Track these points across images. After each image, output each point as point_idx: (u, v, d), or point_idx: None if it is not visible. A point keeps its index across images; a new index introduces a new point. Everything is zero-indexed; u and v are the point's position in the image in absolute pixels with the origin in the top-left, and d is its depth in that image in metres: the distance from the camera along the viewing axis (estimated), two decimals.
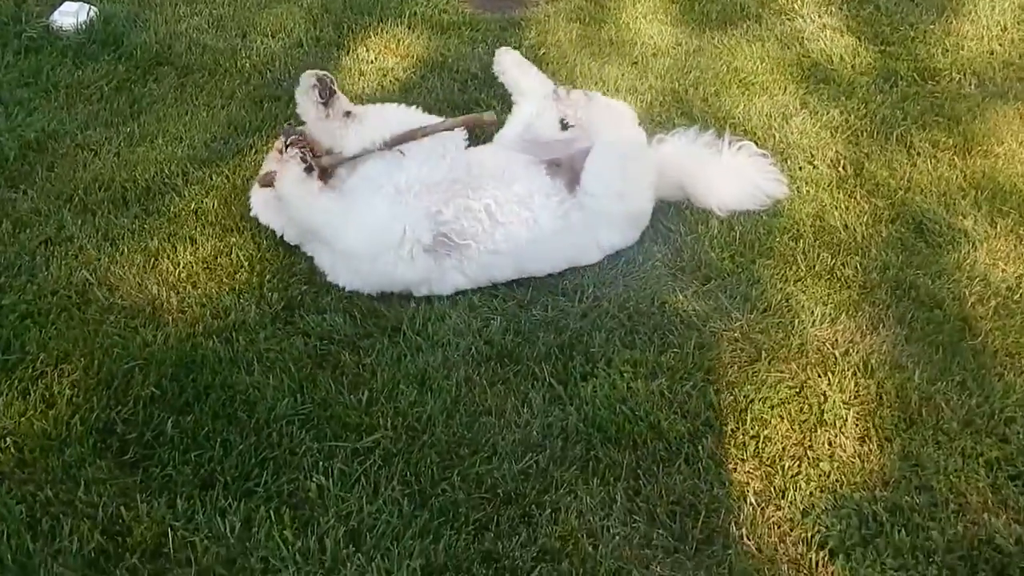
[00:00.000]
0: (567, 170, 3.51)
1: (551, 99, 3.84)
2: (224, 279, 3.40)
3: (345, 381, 3.04)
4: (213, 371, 3.03)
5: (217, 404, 2.93)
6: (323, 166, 3.42)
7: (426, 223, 3.28)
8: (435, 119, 3.61)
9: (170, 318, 3.24)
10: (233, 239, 3.56)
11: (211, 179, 3.87)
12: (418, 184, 3.33)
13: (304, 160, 3.30)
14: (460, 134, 3.57)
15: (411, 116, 3.57)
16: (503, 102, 4.41)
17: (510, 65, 4.09)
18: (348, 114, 3.50)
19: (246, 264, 3.45)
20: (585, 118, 3.62)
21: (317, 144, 3.51)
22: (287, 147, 3.39)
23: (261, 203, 3.54)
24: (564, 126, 3.89)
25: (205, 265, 3.45)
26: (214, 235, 3.58)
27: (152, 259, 3.46)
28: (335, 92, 3.54)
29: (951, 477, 2.77)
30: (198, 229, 3.60)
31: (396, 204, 3.30)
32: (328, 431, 2.88)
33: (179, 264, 3.44)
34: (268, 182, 3.44)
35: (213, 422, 2.87)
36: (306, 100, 3.54)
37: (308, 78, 3.54)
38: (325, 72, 3.57)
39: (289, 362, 3.09)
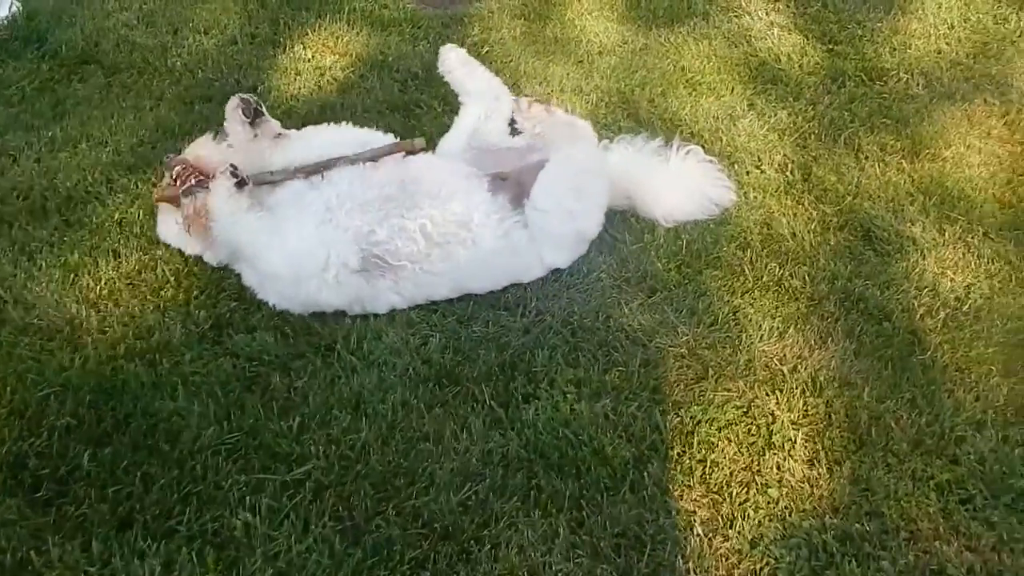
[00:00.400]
0: (513, 185, 3.38)
1: (513, 108, 3.63)
2: (148, 296, 3.24)
3: (275, 406, 2.90)
4: (134, 397, 2.87)
5: (138, 434, 2.77)
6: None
7: (354, 246, 3.13)
8: (370, 135, 3.46)
9: (89, 339, 3.07)
10: (159, 252, 3.41)
11: (137, 186, 3.70)
12: (349, 202, 3.17)
13: (235, 175, 3.13)
14: (391, 137, 3.45)
15: (344, 135, 3.41)
16: (444, 103, 4.29)
17: (455, 64, 3.91)
18: (279, 136, 3.34)
19: (172, 279, 3.29)
20: (544, 133, 3.45)
21: (205, 168, 3.34)
22: (174, 178, 3.26)
23: (169, 225, 3.38)
24: (513, 131, 3.74)
25: (128, 281, 3.28)
26: (139, 248, 3.41)
27: (71, 274, 3.29)
28: (262, 113, 3.40)
29: (902, 502, 2.70)
30: (121, 241, 3.42)
31: (324, 224, 3.14)
32: (256, 462, 2.73)
33: (100, 280, 3.27)
34: (169, 198, 3.27)
35: (133, 454, 2.72)
36: (233, 122, 3.37)
37: (233, 100, 3.41)
38: (251, 95, 3.44)
39: (216, 386, 2.94)
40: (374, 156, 3.29)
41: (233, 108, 3.38)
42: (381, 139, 3.48)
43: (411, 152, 3.35)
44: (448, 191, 3.25)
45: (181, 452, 2.74)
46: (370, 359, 3.07)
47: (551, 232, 3.35)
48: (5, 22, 4.62)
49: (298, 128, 3.67)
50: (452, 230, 3.19)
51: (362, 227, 3.13)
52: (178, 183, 3.28)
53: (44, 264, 3.31)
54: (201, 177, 3.29)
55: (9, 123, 4.02)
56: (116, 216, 3.53)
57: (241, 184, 3.13)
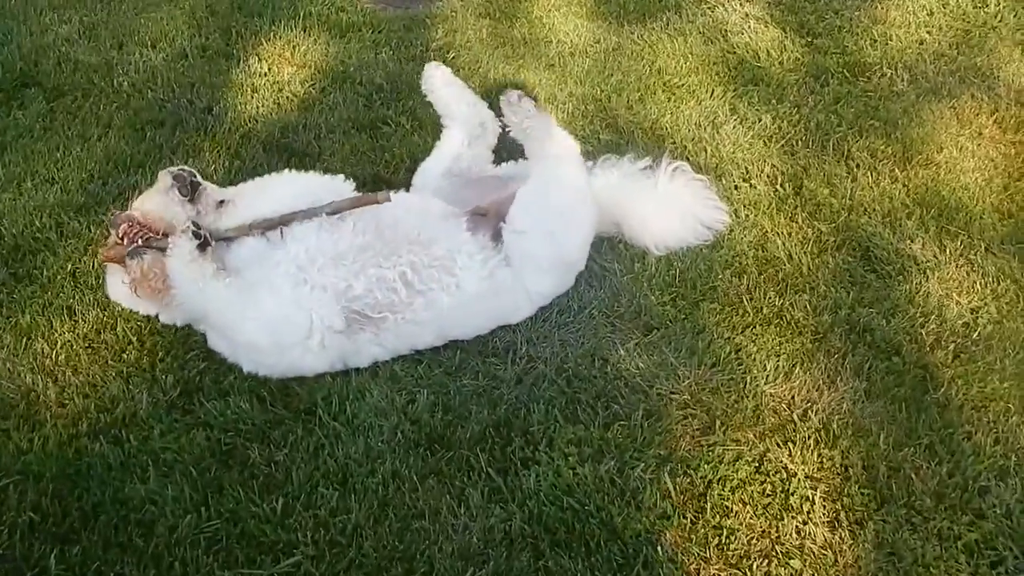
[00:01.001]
0: (493, 220, 3.17)
1: (502, 101, 3.35)
2: (110, 360, 3.00)
3: (256, 485, 2.69)
4: (102, 483, 2.65)
5: (108, 528, 2.56)
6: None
7: (336, 305, 2.88)
8: (318, 182, 3.23)
9: (48, 414, 2.83)
10: (117, 308, 3.15)
11: (89, 230, 3.44)
12: (320, 257, 2.92)
13: (198, 235, 2.86)
14: (351, 186, 3.25)
15: (292, 187, 3.15)
16: (413, 118, 4.09)
17: (440, 84, 3.64)
18: (222, 203, 3.07)
19: (134, 339, 3.05)
20: (530, 129, 3.22)
21: (153, 225, 3.06)
22: (120, 237, 2.99)
23: (118, 286, 3.09)
24: (496, 161, 3.52)
25: (87, 343, 3.04)
26: (95, 303, 3.18)
27: (24, 339, 3.05)
28: (199, 184, 3.10)
29: (931, 569, 2.55)
30: (76, 296, 3.18)
31: (300, 286, 2.88)
32: (239, 553, 2.53)
33: (56, 344, 3.02)
34: (116, 257, 3.01)
35: (104, 552, 2.51)
36: (168, 202, 3.08)
37: (164, 178, 3.10)
38: (182, 167, 3.13)
39: (190, 464, 2.72)
40: (336, 210, 3.01)
41: (168, 188, 3.07)
42: (329, 186, 3.22)
43: (374, 204, 3.04)
44: (428, 234, 3.02)
45: (156, 547, 2.52)
46: (354, 423, 2.86)
47: (531, 255, 3.13)
48: None
49: (249, 176, 3.41)
50: (435, 276, 2.96)
51: (338, 283, 2.88)
52: (124, 241, 3.00)
53: None
54: (148, 235, 3.00)
55: None
56: (69, 267, 3.28)
57: (204, 245, 2.86)
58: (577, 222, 3.24)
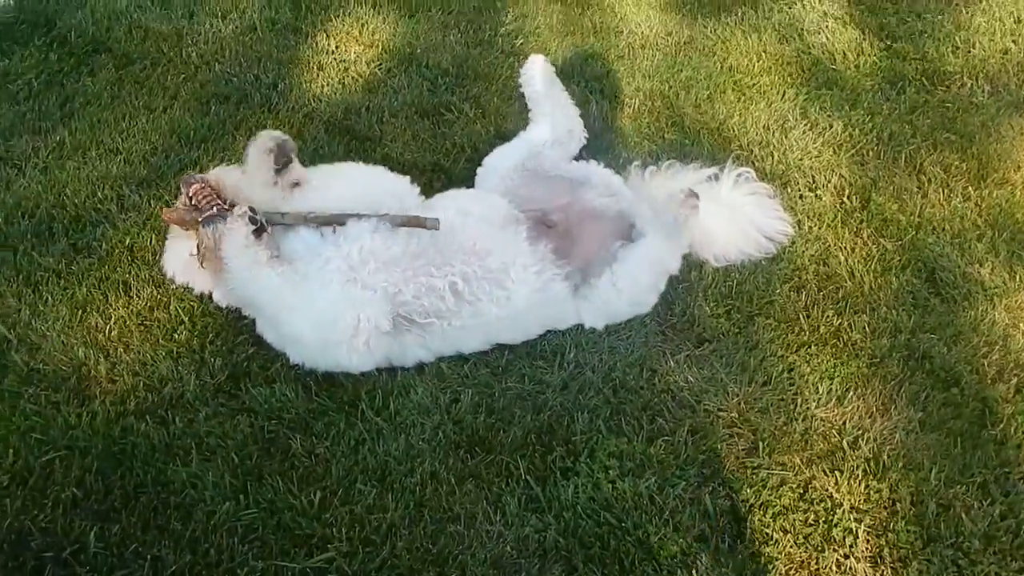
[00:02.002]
0: (560, 235, 3.14)
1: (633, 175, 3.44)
2: (161, 339, 3.01)
3: (295, 476, 2.69)
4: (145, 463, 2.67)
5: (148, 510, 2.58)
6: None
7: (385, 307, 2.85)
8: (392, 183, 3.21)
9: (98, 390, 2.85)
10: (171, 287, 3.16)
11: (149, 205, 3.46)
12: (372, 260, 2.89)
13: (254, 220, 2.85)
14: (415, 191, 3.22)
15: (365, 186, 3.12)
16: (476, 106, 4.06)
17: (539, 80, 3.60)
18: (296, 184, 3.06)
19: (186, 320, 3.06)
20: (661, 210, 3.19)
21: (224, 196, 3.03)
22: (190, 197, 2.96)
23: (177, 257, 3.10)
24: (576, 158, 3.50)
25: (139, 320, 3.06)
26: (150, 280, 3.18)
27: (79, 312, 3.07)
28: (292, 160, 3.06)
29: None
30: (132, 272, 3.19)
31: (350, 284, 2.85)
32: (274, 545, 2.54)
33: (110, 318, 3.05)
34: (178, 220, 3.00)
35: (143, 534, 2.53)
36: (260, 162, 3.03)
37: (266, 141, 3.02)
38: (287, 138, 3.06)
39: (232, 450, 2.73)
40: (390, 222, 2.98)
41: (265, 151, 3.01)
42: (396, 188, 3.19)
43: (422, 227, 2.98)
44: (484, 245, 2.98)
45: (194, 532, 2.54)
46: (397, 420, 2.85)
47: (613, 311, 3.15)
48: (11, 4, 4.32)
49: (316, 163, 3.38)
50: (486, 288, 2.93)
51: (387, 286, 2.86)
52: (192, 203, 2.99)
53: (50, 298, 3.09)
54: (218, 203, 2.98)
55: (15, 124, 3.77)
56: (127, 241, 3.29)
57: (260, 231, 2.86)
58: (659, 294, 3.25)
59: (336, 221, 2.92)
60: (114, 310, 3.08)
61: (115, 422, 2.78)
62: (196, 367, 2.94)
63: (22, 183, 3.49)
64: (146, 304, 3.11)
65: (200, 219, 2.94)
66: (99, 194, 3.46)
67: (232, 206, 2.97)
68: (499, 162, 3.48)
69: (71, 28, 4.28)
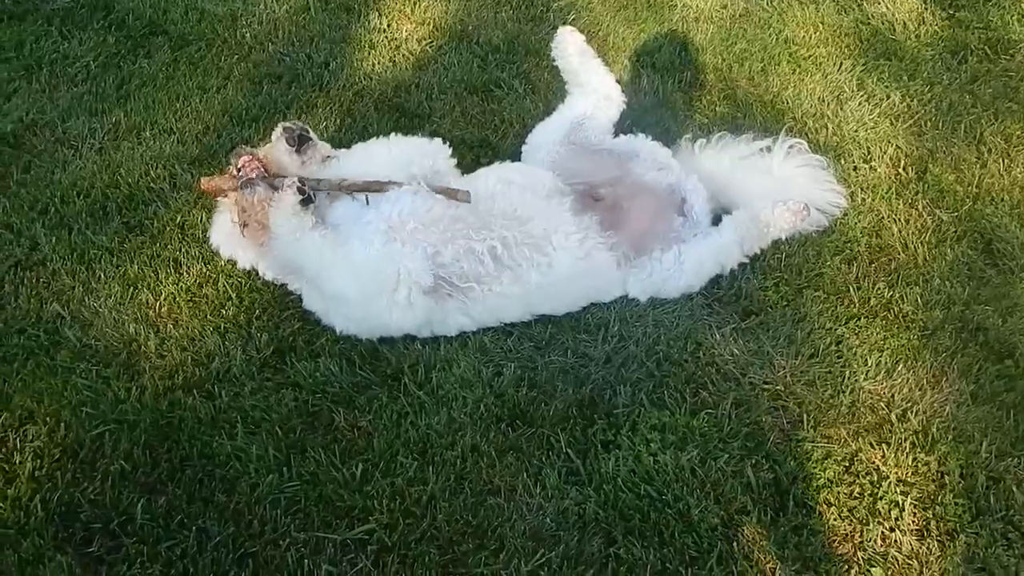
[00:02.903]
0: (608, 207, 3.13)
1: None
2: (209, 315, 3.06)
3: (337, 449, 2.72)
4: (191, 437, 2.72)
5: (193, 482, 2.62)
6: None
7: (425, 263, 2.87)
8: (424, 144, 3.22)
9: (147, 365, 2.91)
10: (220, 262, 3.21)
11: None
12: (412, 220, 2.91)
13: (302, 191, 2.90)
14: (446, 151, 3.25)
15: (398, 151, 3.14)
16: (527, 82, 4.05)
17: (572, 52, 3.55)
18: (327, 159, 3.10)
19: (234, 296, 3.11)
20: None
21: (272, 168, 3.09)
22: (239, 169, 3.02)
23: (224, 234, 3.16)
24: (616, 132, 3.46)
25: (189, 296, 3.11)
26: (200, 257, 3.23)
27: (131, 288, 3.13)
28: (308, 139, 3.12)
29: None
30: (183, 250, 3.24)
31: (391, 242, 2.88)
32: (316, 517, 2.57)
33: (160, 295, 3.10)
34: (215, 189, 3.08)
35: (188, 506, 2.58)
36: (279, 152, 3.11)
37: (277, 128, 3.14)
38: (295, 121, 3.17)
39: (276, 424, 2.77)
40: (418, 188, 3.01)
41: (277, 138, 3.12)
42: (427, 150, 3.22)
43: (454, 199, 3.01)
44: (526, 211, 2.98)
45: (238, 504, 2.58)
46: (439, 394, 2.86)
47: (668, 287, 3.15)
48: None
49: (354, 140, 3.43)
50: (525, 253, 2.93)
51: (427, 247, 2.88)
52: (240, 173, 3.04)
53: (103, 275, 3.15)
54: (264, 173, 3.04)
55: (73, 106, 3.84)
56: (178, 219, 3.35)
57: (307, 201, 2.90)
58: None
59: (373, 188, 2.95)
60: (164, 287, 3.13)
61: (163, 396, 2.83)
62: (243, 342, 2.99)
63: (78, 164, 3.56)
64: (195, 281, 3.16)
65: (240, 183, 3.00)
66: (152, 173, 3.52)
67: (276, 177, 3.02)
68: (543, 138, 3.47)
69: (129, 11, 4.35)
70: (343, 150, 3.26)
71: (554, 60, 3.62)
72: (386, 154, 3.11)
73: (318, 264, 2.91)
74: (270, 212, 2.96)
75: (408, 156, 3.09)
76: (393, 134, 3.30)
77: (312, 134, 3.15)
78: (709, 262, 3.14)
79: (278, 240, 2.94)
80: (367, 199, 2.96)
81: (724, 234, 3.15)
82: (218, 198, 3.16)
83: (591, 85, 3.49)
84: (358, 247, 2.89)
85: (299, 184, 2.92)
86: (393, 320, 2.92)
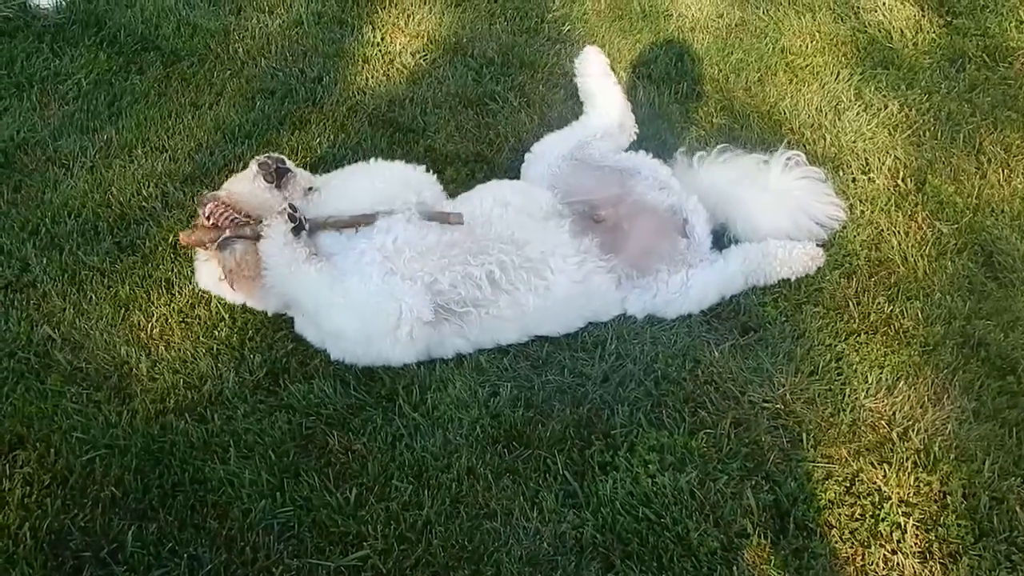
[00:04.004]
0: (609, 229, 3.09)
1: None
2: (201, 336, 3.02)
3: (331, 472, 2.69)
4: (183, 462, 2.68)
5: (185, 508, 2.59)
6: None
7: (426, 296, 2.84)
8: (407, 174, 3.17)
9: (139, 388, 2.88)
10: None
11: (193, 201, 3.46)
12: (408, 249, 2.88)
13: (293, 219, 2.85)
14: (432, 179, 3.22)
15: (382, 185, 3.09)
16: (521, 95, 4.01)
17: (594, 72, 3.56)
18: (310, 190, 3.05)
19: (226, 317, 3.07)
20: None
21: (240, 208, 3.03)
22: (207, 217, 2.97)
23: (208, 274, 3.10)
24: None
25: (181, 318, 3.07)
26: (192, 277, 3.18)
27: (122, 309, 3.09)
28: (286, 172, 3.05)
29: None
30: (175, 270, 3.21)
31: (389, 275, 2.84)
32: (309, 543, 2.53)
33: (152, 316, 3.07)
34: (196, 242, 3.02)
35: (179, 532, 2.54)
36: (257, 188, 3.05)
37: (253, 164, 3.07)
38: (269, 154, 3.09)
39: (270, 447, 2.73)
40: (410, 216, 2.97)
41: (254, 176, 3.05)
42: (413, 179, 3.17)
43: (446, 222, 2.98)
44: (523, 235, 2.95)
45: (230, 530, 2.54)
46: (434, 415, 2.82)
47: (668, 309, 3.13)
48: (63, 5, 4.38)
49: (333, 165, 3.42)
50: (523, 277, 2.89)
51: (424, 276, 2.84)
52: (210, 222, 3.01)
53: (94, 297, 3.11)
54: (235, 217, 2.99)
55: (64, 125, 3.80)
56: (170, 239, 3.31)
57: (299, 229, 2.86)
58: None
59: (362, 223, 2.91)
60: (156, 308, 3.10)
61: (155, 420, 2.80)
62: (236, 364, 2.95)
63: (69, 183, 3.52)
64: (187, 301, 3.12)
65: (216, 244, 2.96)
66: (144, 192, 3.49)
67: (250, 216, 2.98)
68: (548, 149, 3.43)
69: (120, 27, 4.31)
70: (324, 177, 3.20)
71: (574, 76, 3.59)
72: (369, 187, 3.05)
73: (315, 300, 2.87)
74: (261, 244, 2.91)
75: (391, 192, 3.03)
76: (374, 160, 3.27)
77: (289, 163, 3.08)
78: (713, 292, 3.12)
79: (272, 273, 2.90)
80: (356, 231, 2.92)
81: (731, 264, 3.13)
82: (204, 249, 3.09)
83: (606, 110, 3.49)
84: (356, 283, 2.83)
85: (290, 211, 2.87)
86: (395, 355, 2.88)
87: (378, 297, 2.80)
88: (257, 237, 2.92)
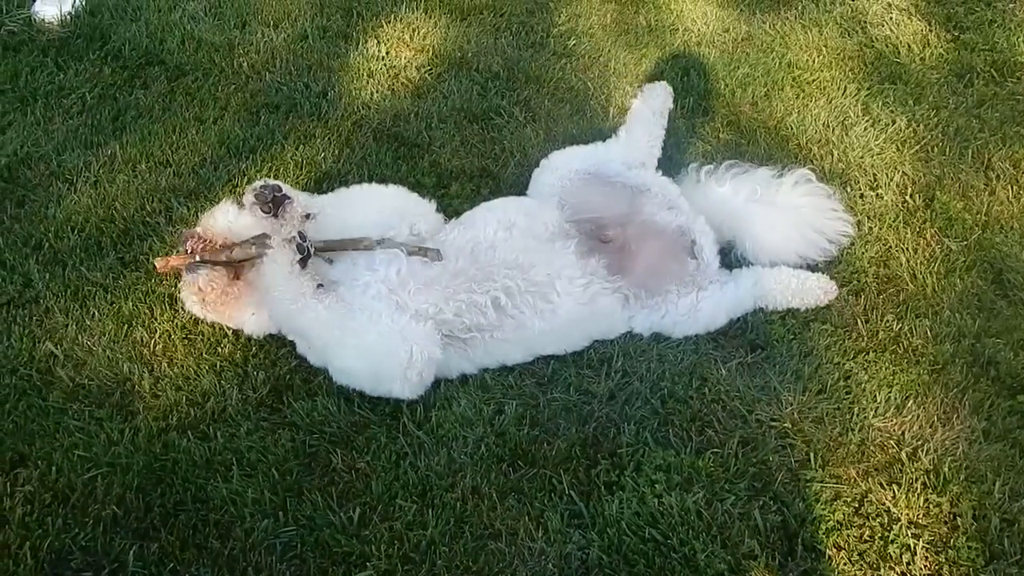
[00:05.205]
0: (616, 250, 3.07)
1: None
2: (204, 353, 3.00)
3: (335, 492, 2.66)
4: (185, 480, 2.66)
5: (187, 528, 2.56)
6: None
7: (435, 336, 2.80)
8: (406, 205, 3.16)
9: (141, 405, 2.86)
10: None
11: (196, 216, 3.43)
12: (412, 281, 2.85)
13: (302, 248, 2.81)
14: (431, 209, 3.22)
15: (376, 216, 3.06)
16: (526, 110, 3.99)
17: (653, 107, 3.52)
18: (308, 216, 3.00)
19: (229, 334, 3.05)
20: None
21: (214, 239, 3.00)
22: (189, 253, 2.94)
23: (198, 308, 3.05)
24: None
25: (184, 334, 3.05)
26: None
27: (125, 326, 3.07)
28: (283, 200, 2.94)
29: None
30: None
31: (398, 313, 2.79)
32: (312, 564, 2.51)
33: (155, 332, 3.05)
34: (166, 268, 3.01)
35: (181, 552, 2.51)
36: (255, 217, 2.99)
37: (249, 194, 2.98)
38: (265, 181, 2.99)
39: (273, 465, 2.71)
40: (395, 247, 2.93)
41: (250, 205, 2.98)
42: (412, 208, 3.16)
43: (427, 257, 2.95)
44: (528, 258, 2.92)
45: (232, 550, 2.52)
46: (439, 433, 2.80)
47: (676, 330, 3.09)
48: (67, 18, 4.37)
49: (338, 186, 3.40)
50: (529, 301, 2.87)
51: (429, 308, 2.82)
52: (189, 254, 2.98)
53: (97, 313, 3.09)
54: (206, 245, 2.96)
55: (68, 139, 3.79)
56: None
57: (305, 261, 2.81)
58: None
59: (337, 248, 2.91)
60: (159, 324, 3.08)
61: (157, 438, 2.77)
62: (239, 381, 2.93)
63: (73, 198, 3.51)
64: (191, 318, 3.10)
65: (185, 266, 2.94)
66: (148, 207, 3.47)
67: (224, 245, 2.96)
68: (563, 161, 3.37)
69: (125, 41, 4.30)
70: (319, 200, 3.16)
71: (633, 98, 3.57)
72: (363, 219, 3.02)
73: (324, 338, 2.82)
74: (266, 271, 2.87)
75: (387, 223, 3.02)
76: (368, 185, 3.27)
77: (285, 188, 2.98)
78: (722, 316, 3.10)
79: (277, 307, 2.87)
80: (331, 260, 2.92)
81: (742, 288, 3.12)
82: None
83: (638, 145, 3.44)
84: (366, 323, 2.78)
85: (299, 240, 2.82)
86: (404, 394, 2.84)
87: (389, 339, 2.75)
88: (230, 263, 2.89)
